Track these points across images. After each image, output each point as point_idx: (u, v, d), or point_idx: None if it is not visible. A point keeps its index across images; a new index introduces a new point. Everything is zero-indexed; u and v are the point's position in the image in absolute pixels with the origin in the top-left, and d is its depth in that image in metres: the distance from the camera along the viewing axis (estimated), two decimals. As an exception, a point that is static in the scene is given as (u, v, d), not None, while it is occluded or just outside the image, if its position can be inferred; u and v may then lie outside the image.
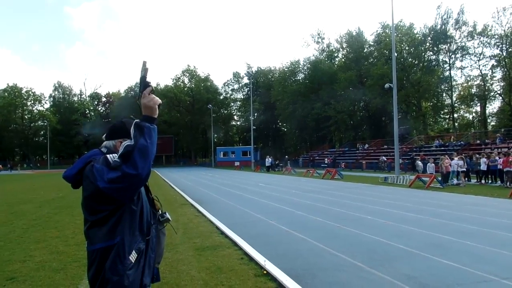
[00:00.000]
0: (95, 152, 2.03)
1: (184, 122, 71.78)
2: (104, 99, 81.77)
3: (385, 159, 34.04)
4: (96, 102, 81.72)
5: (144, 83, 1.86)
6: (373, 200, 12.84)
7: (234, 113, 78.25)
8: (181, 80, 74.20)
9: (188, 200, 13.62)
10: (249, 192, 16.33)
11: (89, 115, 77.03)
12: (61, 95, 76.11)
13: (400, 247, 6.27)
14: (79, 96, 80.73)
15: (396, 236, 7.05)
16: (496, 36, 39.97)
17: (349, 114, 51.44)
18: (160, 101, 1.88)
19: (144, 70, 1.88)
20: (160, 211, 2.19)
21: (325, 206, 11.55)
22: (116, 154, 1.83)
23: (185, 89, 73.24)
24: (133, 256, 1.88)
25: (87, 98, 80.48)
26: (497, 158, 17.79)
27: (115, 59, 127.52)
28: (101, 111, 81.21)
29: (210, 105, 59.31)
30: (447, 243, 6.50)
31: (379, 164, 34.42)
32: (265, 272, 4.99)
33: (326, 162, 39.53)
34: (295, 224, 8.49)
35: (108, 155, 1.85)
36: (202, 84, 72.76)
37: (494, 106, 48.63)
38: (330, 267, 5.26)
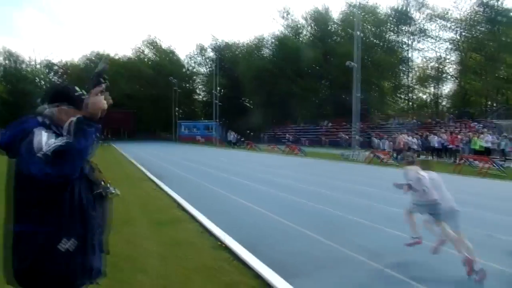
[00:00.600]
0: (33, 124, 1.80)
1: (146, 95, 69.21)
2: (60, 70, 76.71)
3: (345, 136, 35.08)
4: (48, 71, 76.57)
5: (97, 80, 1.72)
6: (331, 175, 13.28)
7: (198, 88, 76.67)
8: (141, 51, 71.04)
9: (147, 175, 13.33)
10: (210, 167, 16.27)
11: (41, 84, 72.20)
12: (12, 64, 70.54)
13: (356, 219, 6.56)
14: (31, 64, 75.14)
15: (352, 210, 7.36)
16: (454, 20, 41.52)
17: (313, 91, 52.02)
18: (108, 104, 1.76)
19: (103, 66, 1.73)
20: (108, 185, 2.05)
21: (285, 181, 11.78)
22: (52, 139, 1.68)
23: (147, 60, 70.37)
24: (72, 243, 1.74)
25: (39, 66, 75.15)
26: (444, 136, 19.06)
27: (71, 27, 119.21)
28: (55, 80, 76.28)
29: (172, 78, 57.47)
30: (399, 216, 6.87)
31: (339, 141, 35.46)
32: (222, 244, 5.04)
33: (289, 139, 40.14)
34: (255, 199, 8.60)
35: (43, 138, 1.68)
36: (166, 57, 70.17)
37: (448, 88, 51.13)
38: (287, 239, 5.41)
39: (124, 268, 4.24)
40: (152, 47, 71.12)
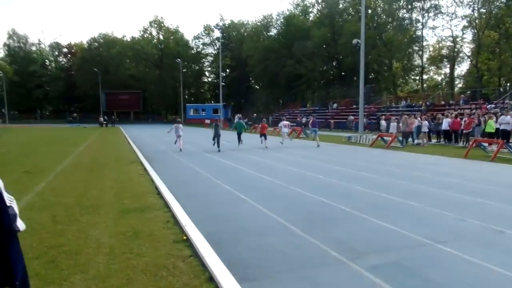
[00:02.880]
0: None
1: (153, 77, 68.43)
2: (65, 50, 76.47)
3: (353, 119, 34.05)
4: (56, 53, 76.38)
5: None
6: (330, 159, 12.59)
7: (206, 69, 75.44)
8: (148, 32, 69.94)
9: (139, 157, 12.87)
10: (207, 150, 15.71)
11: (49, 66, 72.19)
12: (16, 44, 70.25)
13: (340, 208, 5.92)
14: (38, 45, 75.05)
15: (340, 196, 6.72)
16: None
17: (321, 72, 50.67)
18: None
19: None
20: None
21: (279, 165, 11.16)
22: None
23: (153, 41, 69.27)
24: None
25: (46, 47, 75.03)
26: (447, 119, 18.13)
27: (78, 7, 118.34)
28: (63, 63, 76.29)
29: (179, 60, 56.52)
30: (390, 204, 6.23)
31: (346, 124, 34.50)
32: (185, 237, 4.48)
33: (308, 120, 39.18)
34: (241, 184, 8.03)
35: None
36: (172, 37, 69.00)
37: (462, 68, 49.22)
38: (259, 231, 4.82)
39: (62, 265, 3.72)
40: (158, 28, 69.91)
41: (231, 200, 6.61)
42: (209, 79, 75.76)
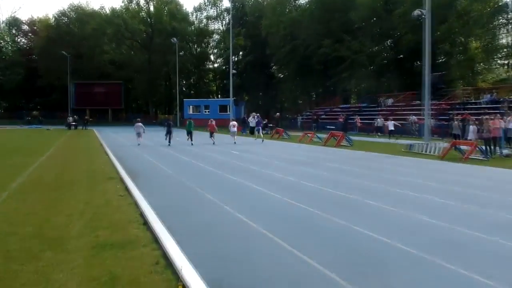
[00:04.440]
0: None
1: (139, 62, 69.60)
2: (26, 28, 78.89)
3: (416, 120, 33.79)
4: (14, 31, 78.84)
5: None
6: (384, 177, 12.45)
7: (211, 51, 76.27)
8: (134, 2, 71.27)
9: (119, 172, 13.05)
10: (212, 164, 15.81)
11: (4, 49, 74.35)
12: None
13: (400, 247, 5.81)
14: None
15: (399, 231, 6.64)
16: None
17: (370, 55, 50.43)
18: None
19: None
20: None
21: (313, 185, 11.10)
22: None
23: (141, 14, 70.55)
24: None
25: (1, 25, 77.53)
26: None
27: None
28: (22, 44, 78.59)
29: (174, 39, 57.28)
30: (470, 241, 6.11)
31: (407, 126, 34.22)
32: (180, 286, 4.46)
33: (358, 121, 39.16)
34: (259, 211, 8.02)
35: None
36: (165, 8, 70.14)
37: None
38: (286, 280, 4.75)
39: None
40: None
41: (243, 234, 6.58)
42: (215, 65, 76.50)
